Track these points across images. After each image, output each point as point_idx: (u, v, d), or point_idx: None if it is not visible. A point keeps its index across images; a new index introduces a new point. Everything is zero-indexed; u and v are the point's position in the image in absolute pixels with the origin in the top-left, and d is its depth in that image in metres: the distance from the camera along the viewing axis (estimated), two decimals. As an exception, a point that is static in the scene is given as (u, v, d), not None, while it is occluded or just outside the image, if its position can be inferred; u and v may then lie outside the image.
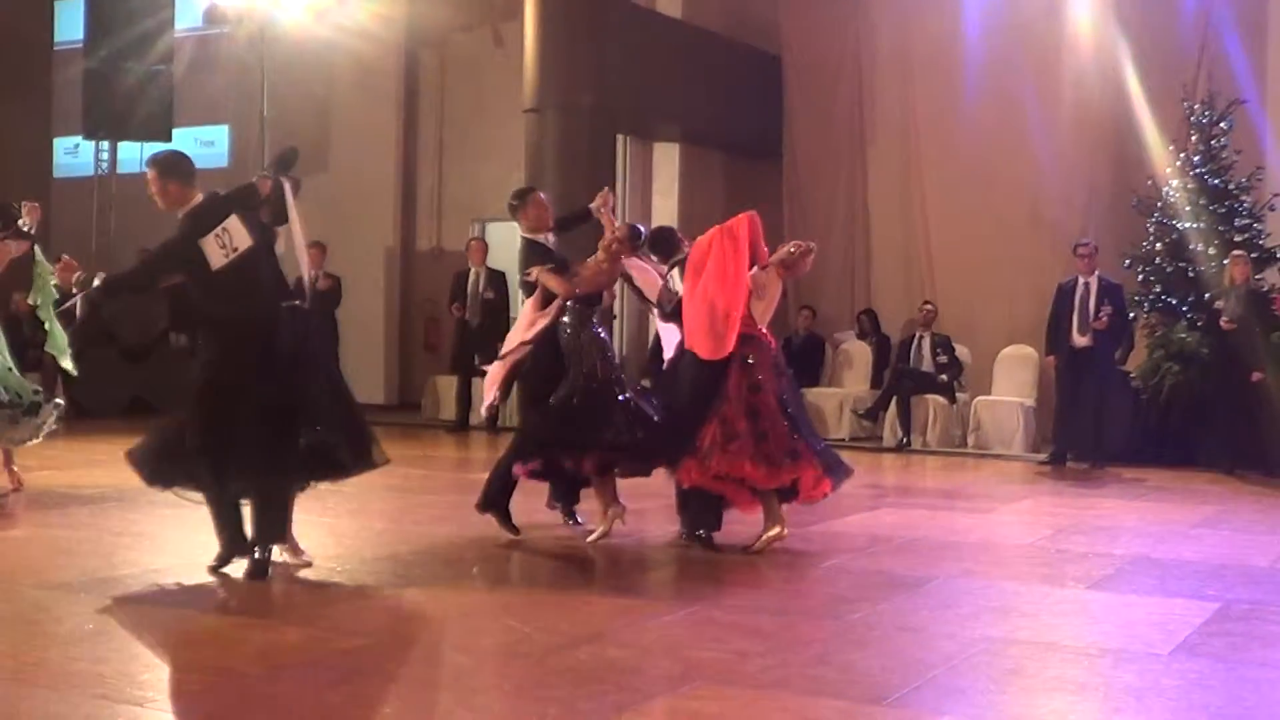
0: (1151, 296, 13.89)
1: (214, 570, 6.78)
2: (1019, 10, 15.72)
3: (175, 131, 18.37)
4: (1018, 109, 15.54)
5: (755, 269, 7.94)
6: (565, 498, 8.53)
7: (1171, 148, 14.20)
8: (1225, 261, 12.89)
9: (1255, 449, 12.37)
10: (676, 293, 8.15)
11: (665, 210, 17.53)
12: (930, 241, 16.62)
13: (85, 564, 7.24)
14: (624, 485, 8.17)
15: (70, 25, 18.95)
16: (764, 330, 8.05)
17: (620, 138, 16.77)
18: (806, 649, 5.61)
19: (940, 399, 14.83)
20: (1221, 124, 13.87)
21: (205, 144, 20.12)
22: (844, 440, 15.00)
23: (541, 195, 8.47)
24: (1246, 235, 13.57)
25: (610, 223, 8.54)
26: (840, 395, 15.79)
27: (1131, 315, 13.63)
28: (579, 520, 8.44)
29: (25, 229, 9.75)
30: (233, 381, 6.67)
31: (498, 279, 15.37)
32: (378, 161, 19.02)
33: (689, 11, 17.42)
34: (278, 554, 6.87)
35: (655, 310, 8.42)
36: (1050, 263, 14.76)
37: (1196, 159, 13.83)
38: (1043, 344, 13.81)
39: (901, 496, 11.36)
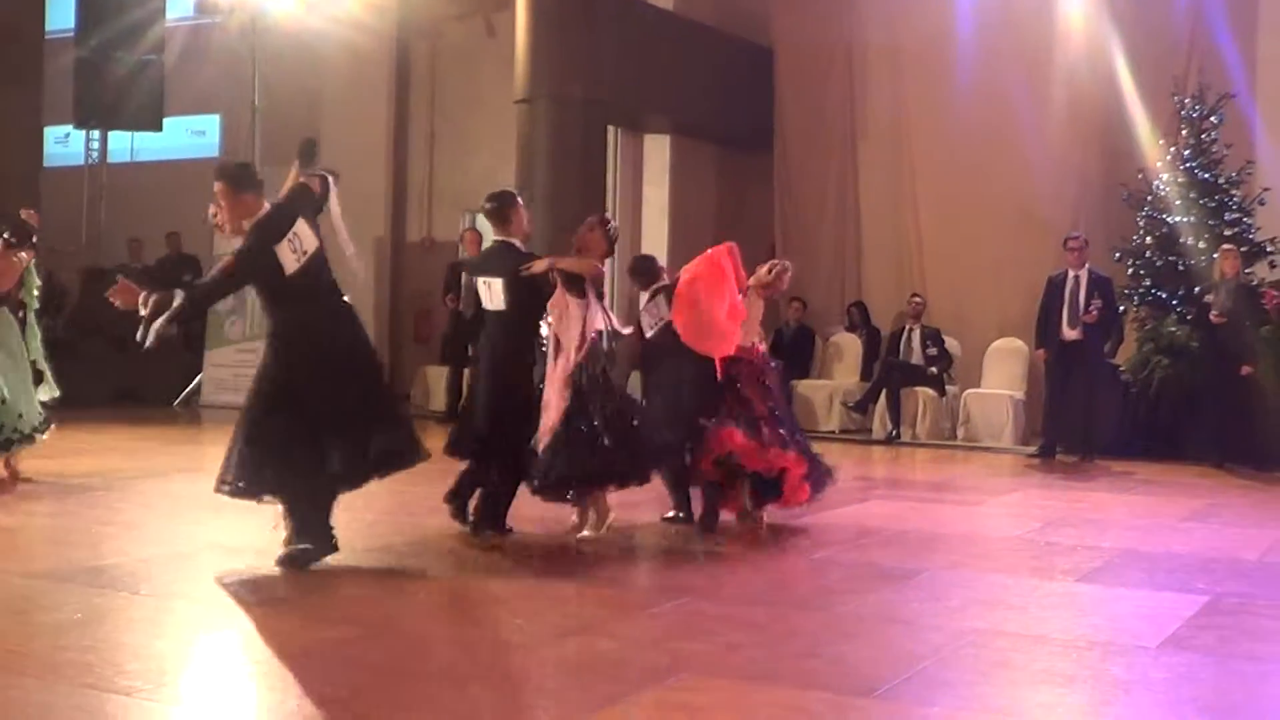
0: (1141, 290, 13.91)
1: (292, 562, 6.80)
2: (1010, 3, 15.71)
3: (166, 121, 18.37)
4: (1008, 102, 15.52)
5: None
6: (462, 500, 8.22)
7: (1162, 141, 14.23)
8: (1215, 255, 12.91)
9: (1244, 443, 12.38)
10: (661, 319, 8.52)
11: (656, 202, 17.54)
12: (921, 234, 16.60)
13: (72, 553, 7.24)
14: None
15: (61, 14, 18.90)
16: (754, 345, 8.50)
17: (611, 129, 16.74)
18: (795, 641, 5.62)
19: (930, 391, 14.84)
20: (1212, 118, 13.90)
21: (196, 133, 20.12)
22: (833, 433, 15.04)
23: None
24: (1236, 229, 13.59)
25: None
26: (830, 387, 15.80)
27: (1121, 309, 13.65)
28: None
29: (33, 239, 10.13)
30: (309, 380, 6.78)
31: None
32: (369, 152, 18.95)
33: (681, 4, 17.40)
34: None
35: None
36: (1040, 256, 14.75)
37: (1187, 153, 13.86)
38: (1032, 337, 13.83)
39: (891, 489, 11.37)
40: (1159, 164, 14.11)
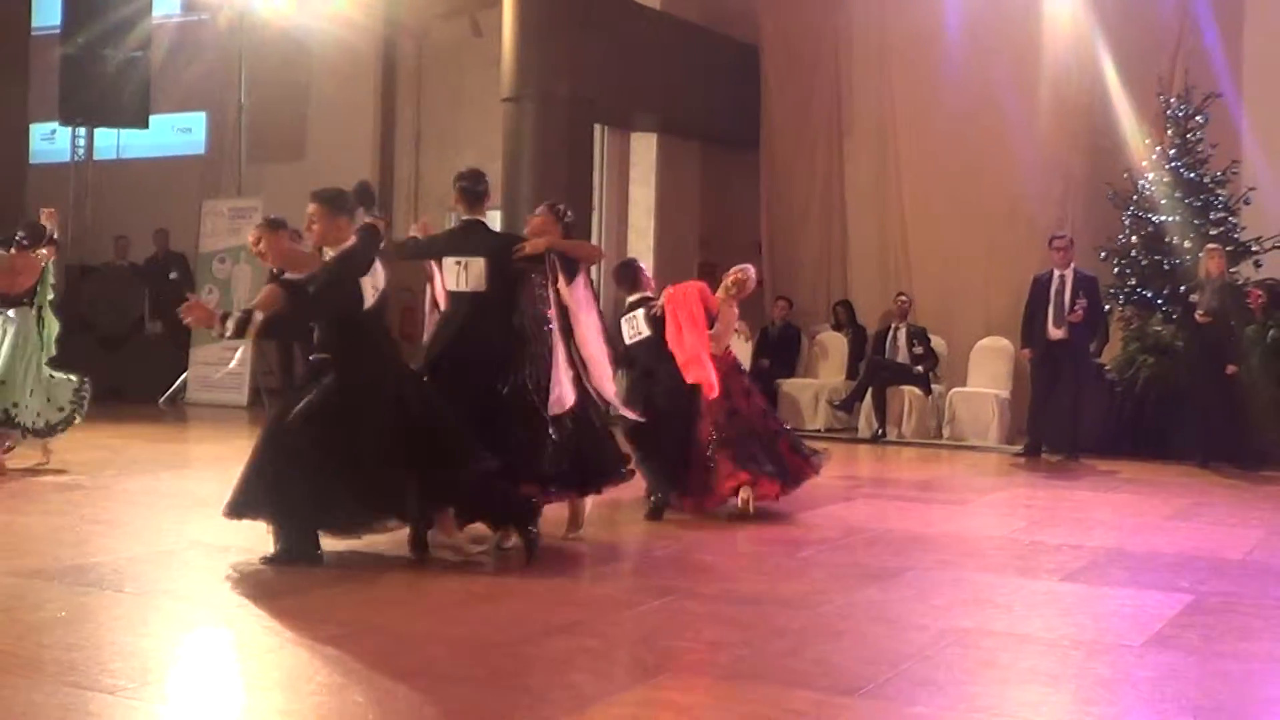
0: (1127, 289, 13.95)
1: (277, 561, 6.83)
2: (997, 2, 15.73)
3: (153, 118, 18.34)
4: (995, 101, 15.55)
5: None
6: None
7: (1148, 141, 14.26)
8: (1200, 254, 12.93)
9: (1229, 442, 12.42)
10: (639, 333, 8.93)
11: (643, 200, 17.54)
12: (906, 233, 16.62)
13: (57, 551, 7.22)
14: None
15: (48, 10, 18.88)
16: (726, 349, 9.09)
17: (598, 127, 16.74)
18: (780, 640, 5.62)
19: (915, 390, 14.85)
20: (1198, 117, 13.93)
21: (182, 131, 20.08)
22: (819, 431, 15.03)
23: None
24: (1221, 228, 13.63)
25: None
26: (816, 386, 15.81)
27: (1106, 308, 13.68)
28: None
29: (51, 235, 10.45)
30: (377, 409, 6.88)
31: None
32: (355, 149, 18.93)
33: (667, 2, 17.40)
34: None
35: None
36: (1026, 255, 14.78)
37: (1172, 152, 13.89)
38: (1018, 336, 13.84)
39: (876, 488, 11.37)
40: (1145, 163, 14.15)
